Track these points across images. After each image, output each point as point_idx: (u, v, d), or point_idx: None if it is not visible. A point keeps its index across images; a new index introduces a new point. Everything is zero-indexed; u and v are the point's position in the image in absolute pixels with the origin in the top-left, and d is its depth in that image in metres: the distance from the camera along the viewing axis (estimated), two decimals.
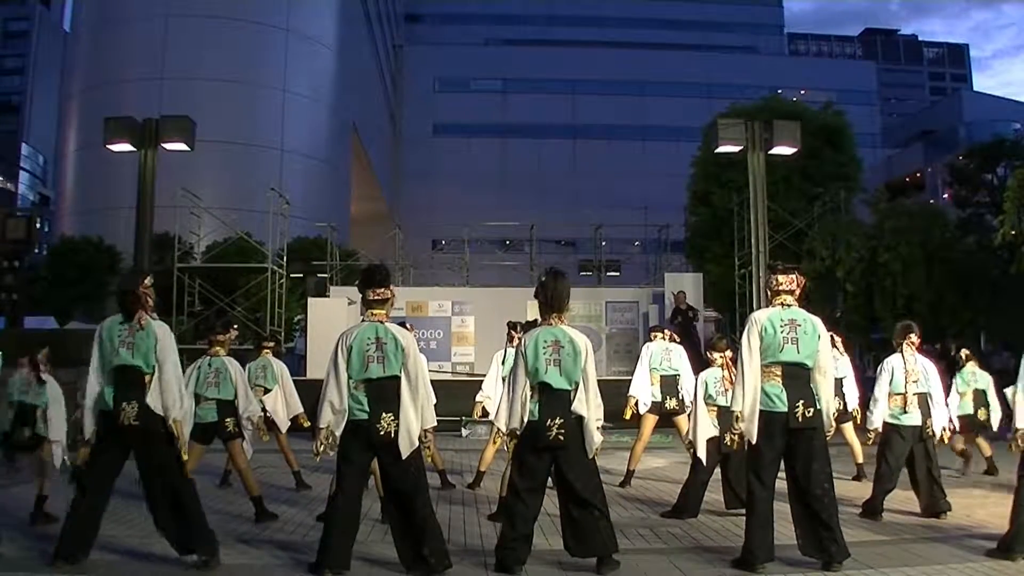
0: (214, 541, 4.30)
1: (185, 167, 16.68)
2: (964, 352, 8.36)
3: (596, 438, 4.33)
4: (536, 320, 4.75)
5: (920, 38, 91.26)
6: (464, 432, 11.41)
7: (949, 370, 8.24)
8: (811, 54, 76.27)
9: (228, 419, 5.97)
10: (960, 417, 7.66)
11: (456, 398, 12.34)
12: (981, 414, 8.01)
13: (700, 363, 14.38)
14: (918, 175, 44.32)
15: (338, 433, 4.24)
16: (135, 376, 4.29)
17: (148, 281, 4.47)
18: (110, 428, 4.28)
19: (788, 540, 4.87)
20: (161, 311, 11.88)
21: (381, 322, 4.34)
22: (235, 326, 6.68)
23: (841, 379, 7.35)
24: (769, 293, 4.61)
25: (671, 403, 7.20)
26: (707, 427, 5.87)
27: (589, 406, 4.34)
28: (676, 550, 4.81)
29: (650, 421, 7.26)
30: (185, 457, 4.41)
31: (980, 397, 8.05)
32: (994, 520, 5.61)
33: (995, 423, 7.95)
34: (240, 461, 5.93)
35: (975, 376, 8.12)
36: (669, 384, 7.27)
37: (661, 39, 52.37)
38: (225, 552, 4.39)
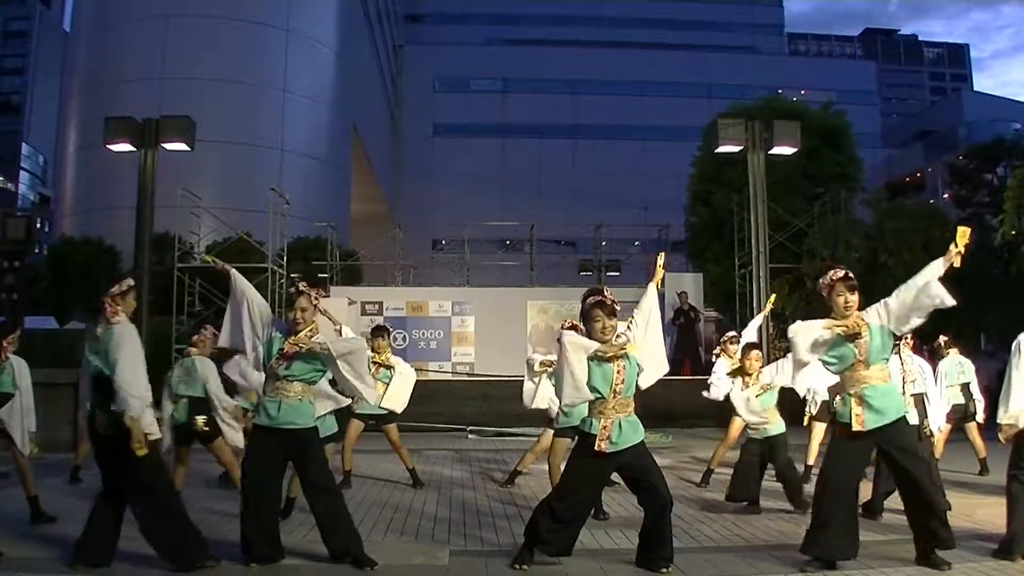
0: (202, 555, 4.26)
1: (185, 167, 16.66)
2: (943, 339, 8.26)
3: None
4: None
5: (920, 38, 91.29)
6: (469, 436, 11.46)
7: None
8: (811, 54, 76.21)
9: (197, 416, 5.97)
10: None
11: (459, 398, 12.39)
12: (971, 406, 7.98)
13: (699, 362, 14.38)
14: (918, 175, 44.37)
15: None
16: (107, 383, 4.21)
17: (122, 288, 4.33)
18: (93, 436, 4.32)
19: (788, 540, 4.88)
20: (161, 311, 11.91)
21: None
22: (206, 326, 6.57)
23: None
24: None
25: None
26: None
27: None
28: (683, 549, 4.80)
29: None
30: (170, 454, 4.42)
31: (966, 389, 8.02)
32: (994, 520, 5.61)
33: (979, 415, 7.95)
34: (225, 457, 5.95)
35: (961, 367, 8.08)
36: None
37: (661, 39, 52.34)
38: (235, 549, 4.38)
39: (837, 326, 4.29)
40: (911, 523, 4.38)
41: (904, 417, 4.37)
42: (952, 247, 4.36)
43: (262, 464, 4.37)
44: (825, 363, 4.45)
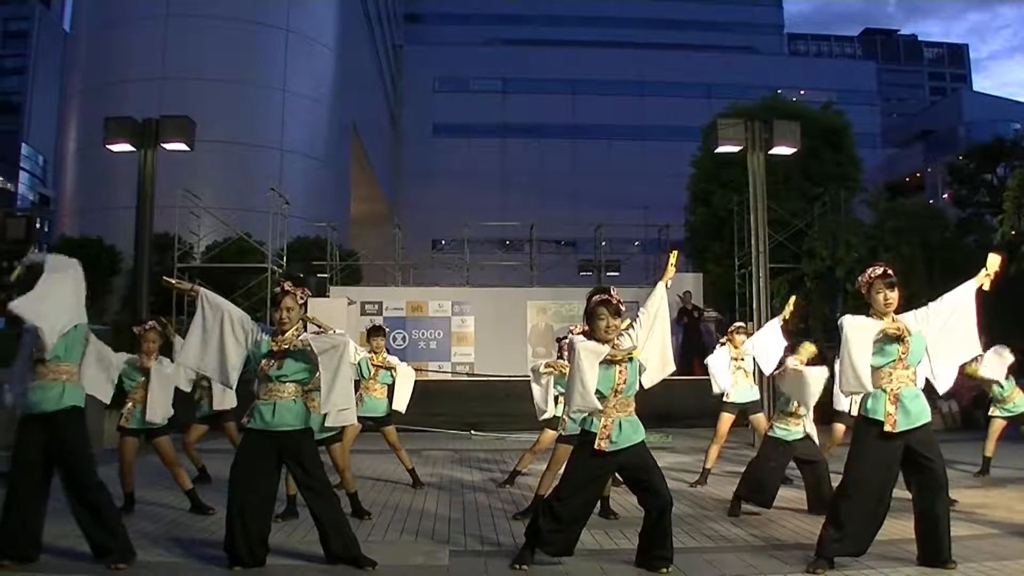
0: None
1: (185, 167, 16.65)
2: None
3: None
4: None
5: (919, 38, 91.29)
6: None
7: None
8: (811, 54, 76.14)
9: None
10: None
11: (458, 398, 12.39)
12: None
13: (702, 363, 14.27)
14: (918, 175, 44.33)
15: None
16: None
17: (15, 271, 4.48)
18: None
19: (788, 540, 4.88)
20: (161, 311, 11.92)
21: None
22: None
23: None
24: None
25: None
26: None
27: None
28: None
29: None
30: None
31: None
32: (995, 519, 5.62)
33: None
34: (168, 456, 6.04)
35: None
36: None
37: (661, 39, 52.33)
38: (223, 552, 4.37)
39: (890, 328, 4.26)
40: (918, 527, 4.35)
41: (930, 422, 4.34)
42: (983, 271, 4.38)
43: (253, 467, 4.34)
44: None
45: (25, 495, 4.26)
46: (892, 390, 4.28)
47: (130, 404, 5.97)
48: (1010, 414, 7.88)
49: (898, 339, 4.29)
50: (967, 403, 12.18)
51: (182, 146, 11.84)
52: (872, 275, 4.40)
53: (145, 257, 11.74)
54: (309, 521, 4.62)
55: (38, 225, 36.90)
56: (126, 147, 11.67)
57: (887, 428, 4.24)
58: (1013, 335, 8.11)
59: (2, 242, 15.66)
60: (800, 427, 5.93)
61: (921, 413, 4.29)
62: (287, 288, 4.50)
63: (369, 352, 6.94)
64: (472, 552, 4.80)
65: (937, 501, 4.25)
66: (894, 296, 4.36)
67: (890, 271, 4.42)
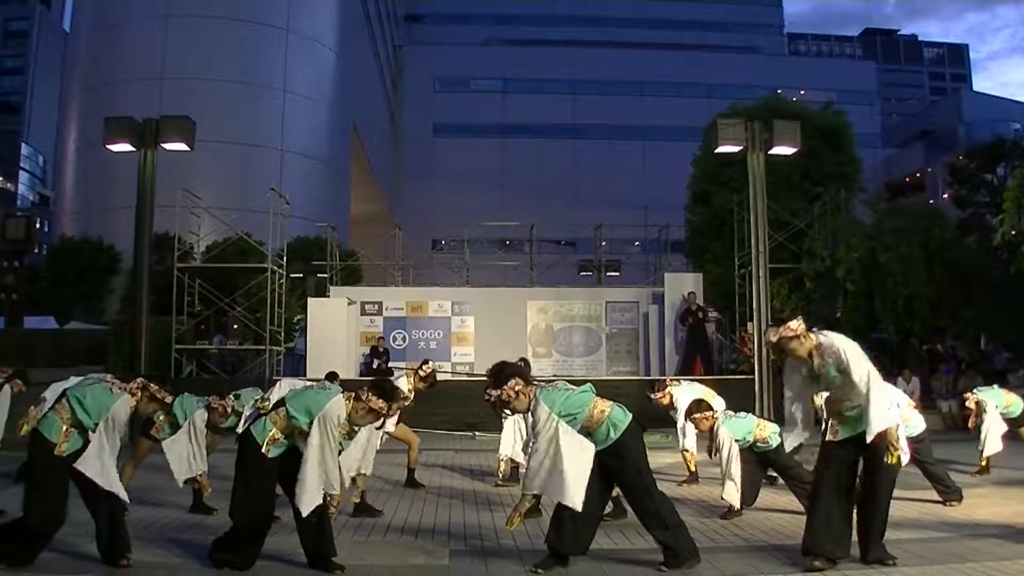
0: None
1: (185, 167, 16.67)
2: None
3: None
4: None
5: (919, 38, 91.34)
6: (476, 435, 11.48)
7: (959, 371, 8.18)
8: (811, 54, 76.25)
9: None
10: None
11: (458, 399, 12.37)
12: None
13: (709, 365, 14.19)
14: (918, 175, 44.39)
15: None
16: None
17: None
18: None
19: (788, 540, 4.89)
20: (161, 311, 11.85)
21: None
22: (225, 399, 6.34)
23: None
24: None
25: None
26: None
27: None
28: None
29: None
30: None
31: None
32: (995, 519, 5.62)
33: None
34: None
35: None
36: None
37: (661, 39, 52.38)
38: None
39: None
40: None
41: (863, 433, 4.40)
42: None
43: (271, 481, 4.42)
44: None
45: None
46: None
47: (161, 418, 6.07)
48: None
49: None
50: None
51: (182, 146, 11.83)
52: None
53: (145, 257, 11.73)
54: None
55: (38, 225, 37.00)
56: (126, 147, 11.66)
57: (829, 437, 4.49)
58: (1013, 334, 8.07)
59: (2, 242, 15.71)
60: (777, 438, 6.01)
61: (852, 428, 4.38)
62: None
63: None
64: (472, 552, 4.80)
65: (867, 500, 4.44)
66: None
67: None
